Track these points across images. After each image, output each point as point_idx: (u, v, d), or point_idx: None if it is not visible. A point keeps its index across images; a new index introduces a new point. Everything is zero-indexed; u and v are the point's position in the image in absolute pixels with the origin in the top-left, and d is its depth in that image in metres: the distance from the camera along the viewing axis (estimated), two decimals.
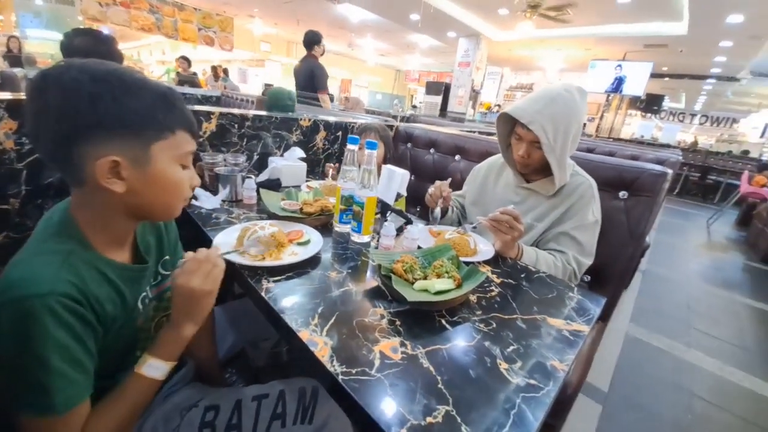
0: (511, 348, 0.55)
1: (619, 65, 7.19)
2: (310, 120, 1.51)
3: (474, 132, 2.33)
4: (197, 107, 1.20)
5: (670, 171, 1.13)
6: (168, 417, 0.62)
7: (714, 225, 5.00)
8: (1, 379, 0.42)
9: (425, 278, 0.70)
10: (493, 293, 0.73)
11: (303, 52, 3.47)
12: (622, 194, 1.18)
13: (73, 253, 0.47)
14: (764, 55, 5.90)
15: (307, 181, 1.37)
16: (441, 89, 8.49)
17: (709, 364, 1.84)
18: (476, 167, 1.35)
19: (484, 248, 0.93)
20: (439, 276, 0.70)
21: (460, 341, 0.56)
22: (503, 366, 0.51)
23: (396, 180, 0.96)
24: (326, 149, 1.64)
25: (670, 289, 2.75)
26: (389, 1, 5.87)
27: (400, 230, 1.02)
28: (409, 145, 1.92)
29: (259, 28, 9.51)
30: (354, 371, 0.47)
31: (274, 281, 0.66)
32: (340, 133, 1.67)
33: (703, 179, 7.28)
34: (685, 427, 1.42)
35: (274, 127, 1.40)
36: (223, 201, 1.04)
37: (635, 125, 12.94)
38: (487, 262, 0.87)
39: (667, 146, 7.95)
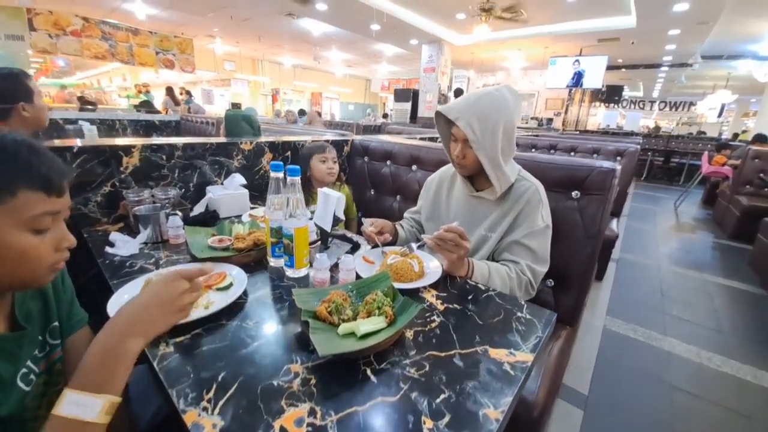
0: (442, 397, 0.48)
1: (577, 60, 7.43)
2: (251, 143, 1.42)
3: (437, 140, 2.30)
4: (114, 141, 1.10)
5: (618, 167, 1.11)
6: None
7: (681, 206, 5.16)
8: None
9: (356, 316, 0.63)
10: (434, 324, 0.65)
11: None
12: (575, 194, 1.15)
13: None
14: (713, 38, 6.22)
15: (252, 208, 1.28)
16: (409, 96, 8.56)
17: (685, 351, 1.83)
18: (428, 180, 1.30)
19: (433, 269, 0.86)
20: (369, 313, 0.62)
21: (382, 396, 0.48)
22: (428, 425, 0.44)
23: (331, 204, 0.88)
24: None
25: (644, 275, 2.77)
26: (347, 12, 5.88)
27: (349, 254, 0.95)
28: (366, 158, 1.86)
29: (221, 47, 9.36)
30: None
31: (175, 343, 0.56)
32: (288, 153, 1.58)
33: (667, 162, 7.56)
34: (667, 423, 1.38)
35: (211, 154, 1.31)
36: (144, 243, 0.94)
37: (601, 115, 13.42)
38: (434, 286, 0.80)
39: (631, 134, 8.24)
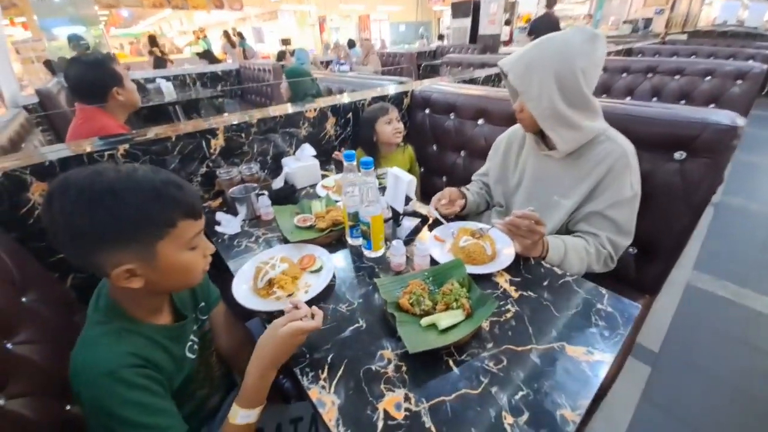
0: (520, 394, 0.54)
1: None
2: (315, 110, 1.44)
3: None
4: (202, 125, 1.20)
5: (741, 124, 0.92)
6: None
7: None
8: None
9: (435, 305, 0.69)
10: (509, 315, 0.69)
11: None
12: (679, 155, 1.01)
13: (124, 330, 0.55)
14: None
15: (323, 176, 1.36)
16: (469, 9, 7.44)
17: None
18: (497, 140, 1.22)
19: (505, 251, 0.87)
20: (447, 306, 0.68)
21: (466, 389, 0.55)
22: (508, 420, 0.51)
23: (402, 186, 0.90)
24: (339, 135, 1.58)
25: (747, 223, 2.41)
26: None
27: (416, 231, 1.00)
28: (427, 111, 1.77)
29: None
30: None
31: None
32: (350, 115, 1.58)
33: None
34: (742, 387, 1.34)
35: (281, 126, 1.36)
36: (243, 221, 1.08)
37: (717, 5, 10.43)
38: (506, 269, 0.82)
39: (755, 35, 6.37)
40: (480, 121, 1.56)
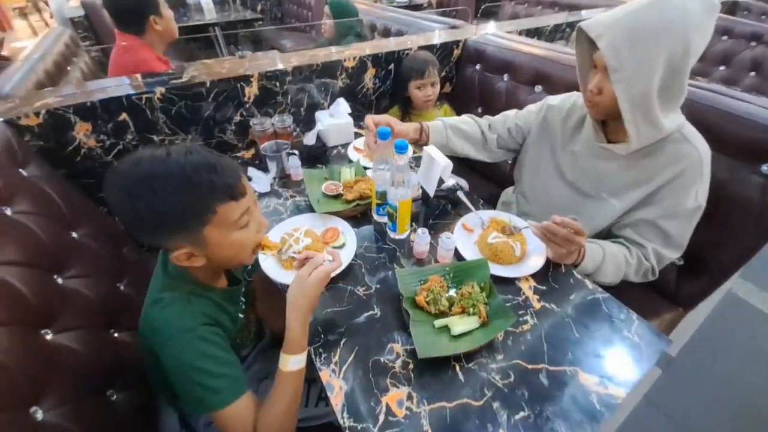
0: (521, 415, 0.55)
1: None
2: (354, 59, 1.32)
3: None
4: (237, 71, 1.14)
5: None
6: (249, 384, 0.81)
7: None
8: (185, 394, 0.56)
9: (450, 306, 0.68)
10: (525, 327, 0.68)
11: None
12: (766, 168, 0.86)
13: (192, 293, 0.60)
14: None
15: (356, 134, 1.30)
16: None
17: None
18: (554, 99, 1.03)
19: (535, 256, 0.81)
20: (463, 309, 0.67)
21: (468, 399, 0.57)
22: None
23: (436, 170, 0.84)
24: (377, 88, 1.47)
25: None
26: None
27: (444, 212, 0.96)
28: (478, 67, 1.58)
29: None
30: (359, 427, 0.53)
31: None
32: (392, 67, 1.44)
33: None
34: (756, 404, 1.31)
35: (317, 76, 1.28)
36: (273, 179, 1.08)
37: None
38: (532, 274, 0.78)
39: None
40: (537, 88, 1.38)
